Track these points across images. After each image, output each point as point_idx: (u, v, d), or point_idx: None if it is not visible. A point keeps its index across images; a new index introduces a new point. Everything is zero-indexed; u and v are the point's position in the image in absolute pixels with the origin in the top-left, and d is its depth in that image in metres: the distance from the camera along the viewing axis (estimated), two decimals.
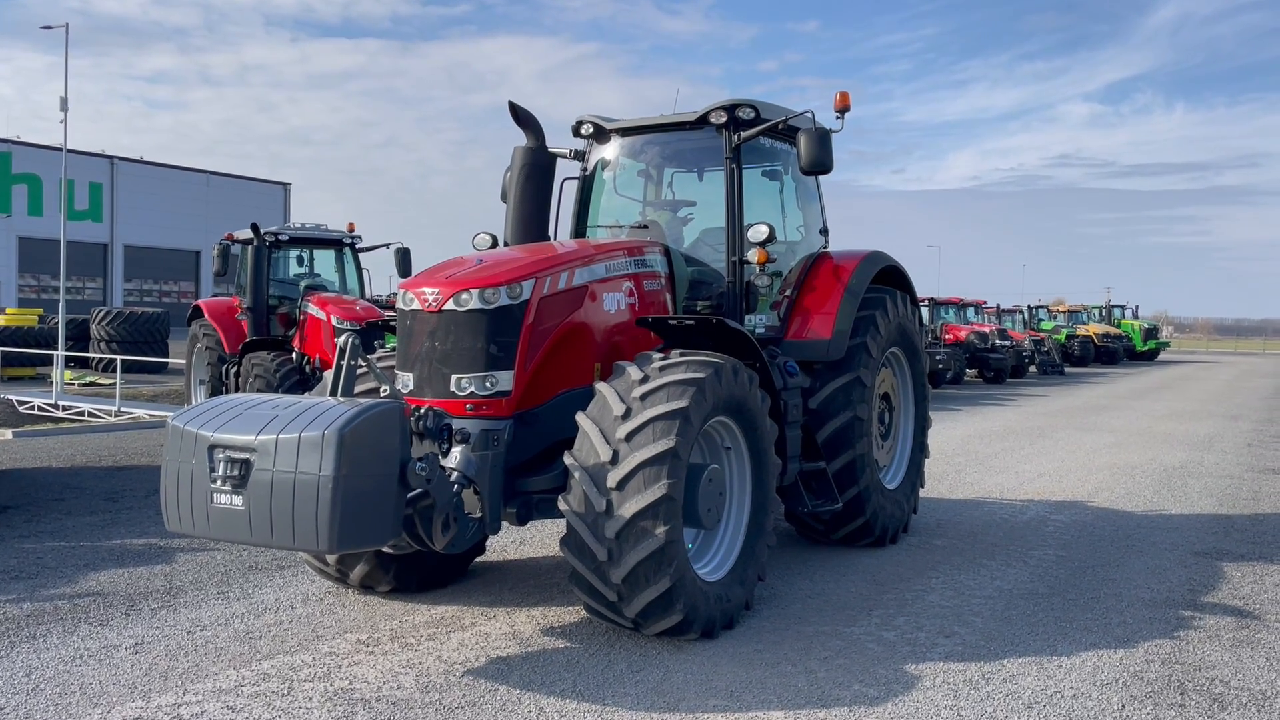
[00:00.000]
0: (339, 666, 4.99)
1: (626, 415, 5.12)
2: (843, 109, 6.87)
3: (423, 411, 5.02)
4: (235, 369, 14.12)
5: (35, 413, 16.19)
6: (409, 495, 4.73)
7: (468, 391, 5.41)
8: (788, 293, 7.45)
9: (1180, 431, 16.60)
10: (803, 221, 7.84)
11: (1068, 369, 36.34)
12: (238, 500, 4.50)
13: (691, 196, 7.79)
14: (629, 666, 5.05)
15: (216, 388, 14.74)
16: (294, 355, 13.82)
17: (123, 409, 15.45)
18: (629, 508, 4.93)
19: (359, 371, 5.46)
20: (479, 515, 5.20)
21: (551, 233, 7.18)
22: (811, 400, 7.14)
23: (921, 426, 8.55)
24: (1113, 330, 43.60)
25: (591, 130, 7.57)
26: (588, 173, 7.69)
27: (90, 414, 15.57)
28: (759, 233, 6.73)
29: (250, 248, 14.83)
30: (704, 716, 4.49)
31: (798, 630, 5.70)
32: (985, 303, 33.53)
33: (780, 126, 7.09)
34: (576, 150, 7.78)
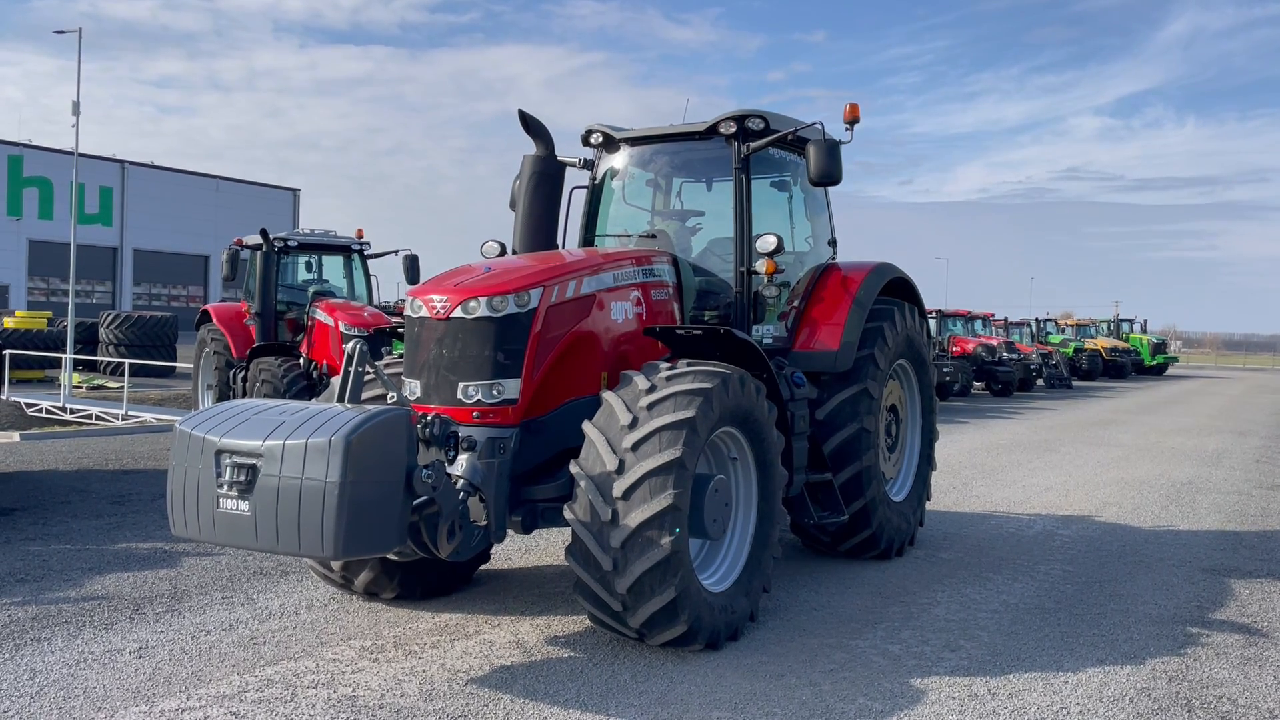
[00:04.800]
0: (343, 673, 4.98)
1: (633, 425, 5.12)
2: (852, 120, 6.88)
3: (429, 419, 5.02)
4: (243, 374, 14.14)
5: (43, 415, 16.24)
6: (415, 502, 4.73)
7: (475, 399, 5.42)
8: (795, 303, 7.45)
9: (1188, 446, 16.53)
10: (811, 232, 7.84)
11: (1075, 383, 36.23)
12: (244, 505, 4.50)
13: (700, 206, 7.79)
14: (633, 677, 5.04)
15: (224, 392, 14.75)
16: (301, 361, 13.83)
17: (130, 412, 15.49)
18: (635, 517, 4.92)
19: (366, 378, 5.46)
20: (484, 523, 5.19)
21: (560, 241, 7.19)
22: (818, 411, 7.13)
23: (928, 439, 8.53)
24: (1121, 344, 43.47)
25: (601, 139, 7.58)
26: (596, 182, 7.70)
27: (98, 417, 15.62)
28: (767, 243, 6.73)
29: (259, 253, 14.88)
30: None
31: (802, 642, 5.68)
32: (993, 315, 33.45)
33: (789, 137, 7.09)
34: (585, 159, 7.79)
